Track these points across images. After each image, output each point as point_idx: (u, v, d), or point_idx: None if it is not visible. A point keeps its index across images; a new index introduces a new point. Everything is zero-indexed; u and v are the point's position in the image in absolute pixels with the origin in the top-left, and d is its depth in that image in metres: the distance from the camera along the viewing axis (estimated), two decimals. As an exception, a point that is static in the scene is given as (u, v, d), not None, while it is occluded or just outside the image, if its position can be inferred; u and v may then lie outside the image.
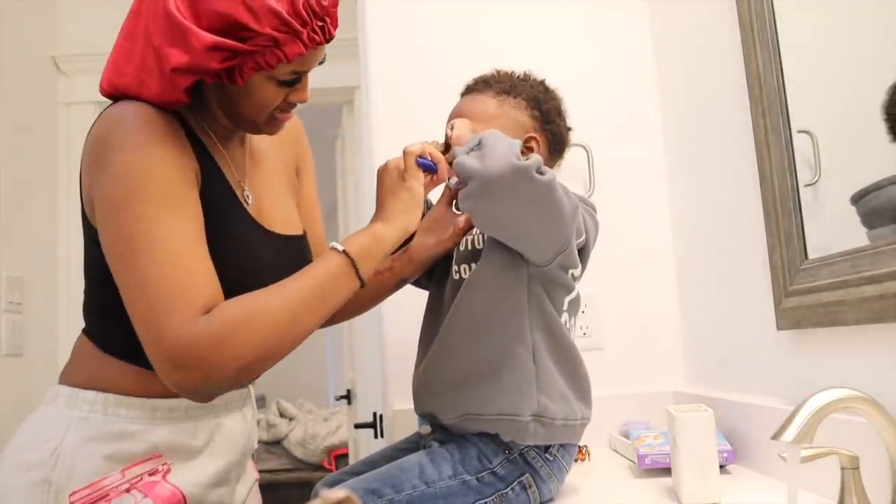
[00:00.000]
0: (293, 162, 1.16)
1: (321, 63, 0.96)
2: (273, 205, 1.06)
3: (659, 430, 1.29)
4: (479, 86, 1.15)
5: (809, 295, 1.00)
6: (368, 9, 1.63)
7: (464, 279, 1.06)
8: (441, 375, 1.05)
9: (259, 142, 1.09)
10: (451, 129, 1.08)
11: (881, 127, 0.88)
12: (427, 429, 1.10)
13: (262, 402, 5.05)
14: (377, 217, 1.00)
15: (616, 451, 1.44)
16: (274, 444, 4.17)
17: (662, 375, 1.56)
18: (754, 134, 1.15)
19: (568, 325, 1.06)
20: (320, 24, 0.90)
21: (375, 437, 1.77)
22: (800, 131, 1.07)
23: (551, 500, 1.04)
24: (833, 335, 0.98)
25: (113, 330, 0.93)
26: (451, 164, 0.96)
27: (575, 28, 1.64)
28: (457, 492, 0.98)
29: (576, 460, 1.11)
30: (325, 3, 0.90)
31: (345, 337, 3.39)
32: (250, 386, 1.11)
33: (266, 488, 1.18)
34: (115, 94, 0.94)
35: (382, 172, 1.03)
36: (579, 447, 1.34)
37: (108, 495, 0.90)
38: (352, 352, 2.83)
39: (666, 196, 1.60)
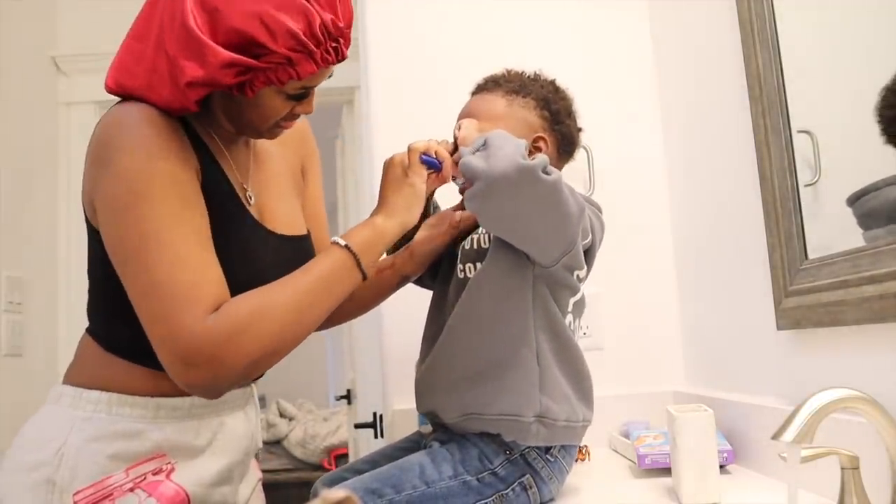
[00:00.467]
0: (298, 163, 1.16)
1: (329, 77, 0.96)
2: (276, 205, 1.06)
3: (659, 430, 1.30)
4: (489, 85, 1.15)
5: (809, 295, 1.01)
6: (368, 9, 1.63)
7: (469, 278, 1.06)
8: (444, 374, 1.05)
9: (264, 142, 1.09)
10: (459, 129, 1.08)
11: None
12: (428, 428, 1.10)
13: (262, 402, 4.97)
14: (378, 210, 1.01)
15: (616, 451, 1.44)
16: (274, 444, 4.17)
17: (662, 375, 1.56)
18: (754, 134, 1.15)
19: (572, 327, 1.05)
20: (334, 45, 0.91)
21: (375, 437, 1.77)
22: (800, 131, 1.07)
23: (552, 500, 1.04)
24: (833, 335, 0.98)
25: (117, 329, 0.94)
26: (457, 163, 0.96)
27: (575, 28, 1.64)
28: (457, 492, 0.98)
29: (576, 460, 1.11)
30: (341, 25, 0.90)
31: (345, 337, 3.40)
32: (253, 385, 1.11)
33: (266, 488, 1.18)
34: (122, 93, 0.94)
35: (387, 166, 1.04)
36: (579, 447, 1.34)
37: (111, 494, 0.90)
38: (352, 352, 2.83)
39: (666, 196, 1.60)
